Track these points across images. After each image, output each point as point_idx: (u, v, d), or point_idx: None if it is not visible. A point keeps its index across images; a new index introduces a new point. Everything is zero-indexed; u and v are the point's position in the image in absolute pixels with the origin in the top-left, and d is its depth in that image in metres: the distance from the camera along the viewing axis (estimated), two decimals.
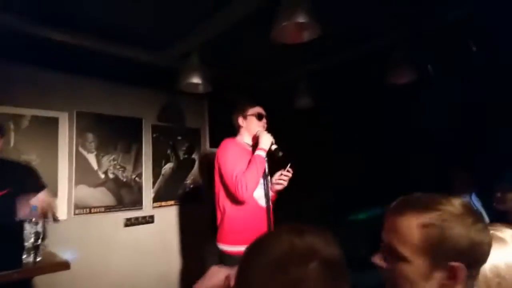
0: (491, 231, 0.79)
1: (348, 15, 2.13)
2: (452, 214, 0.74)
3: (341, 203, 3.22)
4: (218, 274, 0.88)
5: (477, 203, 2.53)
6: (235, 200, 1.91)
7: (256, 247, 0.68)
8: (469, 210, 0.76)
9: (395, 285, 0.78)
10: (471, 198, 2.55)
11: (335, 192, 3.28)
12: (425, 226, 0.74)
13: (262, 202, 1.99)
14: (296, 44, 1.88)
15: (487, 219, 2.16)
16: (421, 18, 2.19)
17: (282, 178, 2.00)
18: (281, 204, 2.20)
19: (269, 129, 2.12)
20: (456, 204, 0.76)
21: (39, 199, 1.78)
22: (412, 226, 0.75)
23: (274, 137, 2.03)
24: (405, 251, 0.75)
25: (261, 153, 1.92)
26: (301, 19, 1.62)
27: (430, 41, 2.43)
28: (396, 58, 2.44)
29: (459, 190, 2.50)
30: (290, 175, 2.02)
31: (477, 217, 0.75)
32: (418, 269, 0.74)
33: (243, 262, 0.68)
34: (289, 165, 2.01)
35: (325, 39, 1.85)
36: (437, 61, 2.57)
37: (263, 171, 1.92)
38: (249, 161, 1.92)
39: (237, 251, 1.83)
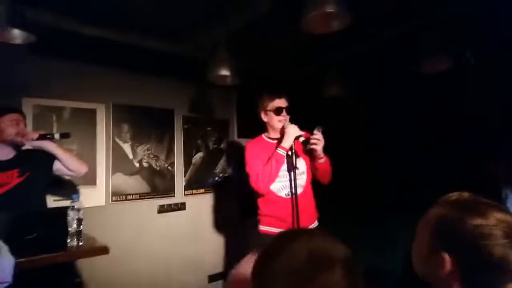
0: None
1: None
2: (471, 211, 0.77)
3: (368, 193, 3.16)
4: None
5: None
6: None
7: (269, 260, 0.66)
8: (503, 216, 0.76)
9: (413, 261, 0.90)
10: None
11: (365, 181, 3.22)
12: (438, 216, 0.83)
13: (281, 193, 2.05)
14: (325, 34, 1.84)
15: None
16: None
17: (312, 142, 1.95)
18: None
19: (297, 119, 2.11)
20: (494, 212, 0.76)
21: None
22: (432, 214, 0.85)
23: (303, 127, 2.02)
24: (419, 230, 0.87)
25: (280, 151, 1.95)
26: (330, 8, 1.58)
27: (468, 25, 2.28)
28: (431, 45, 2.32)
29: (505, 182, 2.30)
30: (317, 137, 1.94)
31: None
32: (423, 247, 0.84)
33: (259, 274, 0.66)
34: (316, 128, 1.95)
35: (355, 27, 1.79)
36: (475, 47, 2.41)
37: (280, 167, 1.98)
38: (269, 157, 1.99)
39: (267, 230, 2.06)
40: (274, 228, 2.01)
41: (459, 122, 2.56)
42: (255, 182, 1.98)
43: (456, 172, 2.47)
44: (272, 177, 1.97)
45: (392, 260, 2.72)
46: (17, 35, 1.82)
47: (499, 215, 0.75)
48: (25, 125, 2.04)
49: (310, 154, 2.08)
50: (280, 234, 0.73)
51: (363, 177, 3.24)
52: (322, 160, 2.03)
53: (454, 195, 0.84)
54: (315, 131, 1.95)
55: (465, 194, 0.83)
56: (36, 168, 2.02)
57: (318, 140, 1.93)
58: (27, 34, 1.78)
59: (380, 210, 3.03)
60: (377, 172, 3.13)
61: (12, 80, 2.40)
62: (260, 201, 2.13)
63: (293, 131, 1.96)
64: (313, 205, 2.16)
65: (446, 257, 0.77)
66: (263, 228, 2.09)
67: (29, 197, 1.93)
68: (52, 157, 2.08)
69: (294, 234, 0.69)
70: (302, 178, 2.10)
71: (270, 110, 2.09)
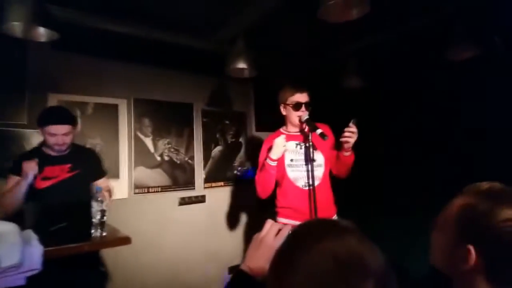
0: None
1: None
2: (495, 203, 0.72)
3: (387, 189, 3.09)
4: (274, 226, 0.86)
5: None
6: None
7: (287, 261, 0.56)
8: None
9: (432, 254, 0.85)
10: None
11: (382, 175, 3.15)
12: (463, 205, 0.77)
13: (300, 184, 2.04)
14: (343, 22, 1.80)
15: None
16: None
17: (345, 135, 1.92)
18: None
19: (316, 110, 2.08)
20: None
21: (102, 184, 2.05)
22: (456, 204, 0.79)
23: (321, 119, 2.00)
24: (441, 220, 0.81)
25: (270, 162, 1.92)
26: None
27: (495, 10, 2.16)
28: (457, 31, 2.23)
29: None
30: (352, 130, 1.90)
31: None
32: (446, 238, 0.79)
33: (278, 273, 0.58)
34: (352, 121, 1.91)
35: (374, 15, 1.74)
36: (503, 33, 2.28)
37: (271, 178, 1.98)
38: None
39: (285, 223, 1.99)
40: (292, 221, 2.01)
41: (485, 116, 2.44)
42: (256, 184, 2.04)
43: (485, 169, 2.37)
44: (266, 187, 2.01)
45: (414, 258, 2.66)
46: (42, 33, 1.88)
47: None
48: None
49: (330, 148, 2.05)
50: (306, 226, 0.64)
51: (383, 171, 3.17)
52: (349, 153, 2.00)
53: (484, 184, 0.78)
54: (351, 124, 1.90)
55: (497, 184, 0.77)
56: (86, 166, 2.10)
57: (352, 133, 1.89)
58: (51, 31, 1.83)
59: (402, 207, 2.96)
60: (398, 167, 3.05)
61: (39, 77, 2.50)
62: (278, 192, 2.13)
63: (279, 141, 1.91)
64: (331, 199, 2.14)
65: (472, 250, 0.71)
66: (280, 220, 2.09)
67: (73, 192, 1.99)
68: (100, 162, 2.20)
69: (322, 230, 0.58)
70: (319, 170, 2.08)
71: (289, 104, 2.07)
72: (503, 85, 2.33)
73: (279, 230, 0.84)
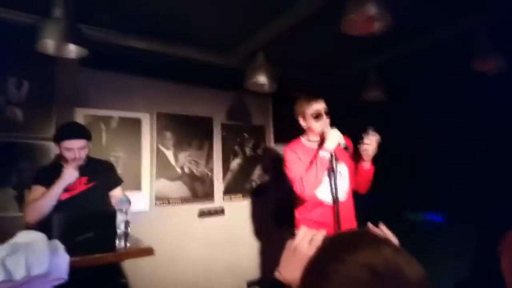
0: None
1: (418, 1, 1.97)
2: None
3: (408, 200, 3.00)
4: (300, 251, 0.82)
5: None
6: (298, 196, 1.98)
7: (321, 272, 0.54)
8: None
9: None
10: None
11: (401, 187, 3.07)
12: None
13: (325, 198, 1.99)
14: (364, 36, 1.80)
15: None
16: None
17: (363, 146, 1.90)
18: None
19: (336, 123, 2.06)
20: None
21: (117, 193, 2.12)
22: None
23: (342, 132, 1.98)
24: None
25: (323, 153, 1.88)
26: (370, 10, 1.55)
27: None
28: (481, 43, 2.19)
29: None
30: (371, 139, 1.88)
31: None
32: None
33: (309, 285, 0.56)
34: (369, 129, 1.89)
35: (395, 28, 1.74)
36: None
37: (324, 171, 1.91)
38: (311, 161, 1.92)
39: None
40: None
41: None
42: (300, 187, 1.89)
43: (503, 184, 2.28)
44: (318, 181, 1.90)
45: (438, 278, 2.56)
46: (72, 49, 1.97)
47: None
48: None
49: (354, 161, 2.03)
50: (339, 237, 0.63)
51: (404, 185, 3.09)
52: (368, 165, 1.97)
53: None
54: (370, 132, 1.89)
55: None
56: (102, 178, 2.16)
57: (370, 142, 1.88)
58: (81, 48, 1.92)
59: (425, 223, 2.87)
60: (421, 180, 2.98)
61: (67, 92, 2.61)
62: (301, 207, 2.06)
63: (335, 134, 1.91)
64: (354, 215, 2.09)
65: None
66: None
67: (91, 203, 2.05)
68: (114, 172, 2.26)
69: (357, 241, 0.56)
70: (345, 183, 2.04)
71: (309, 114, 2.06)
72: None
73: (313, 237, 0.82)
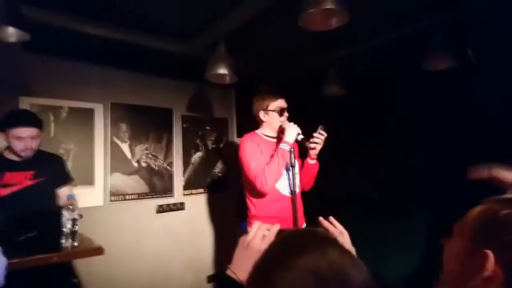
0: None
1: None
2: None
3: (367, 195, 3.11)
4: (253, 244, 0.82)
5: None
6: (257, 191, 1.96)
7: (265, 279, 0.53)
8: None
9: (444, 263, 0.77)
10: None
11: (361, 183, 3.18)
12: (483, 210, 0.72)
13: (285, 191, 2.01)
14: (324, 31, 1.81)
15: None
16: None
17: (314, 140, 1.95)
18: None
19: (295, 118, 2.08)
20: None
21: (65, 191, 1.98)
22: (476, 210, 0.74)
23: (301, 127, 2.00)
24: (456, 229, 0.75)
25: (284, 146, 1.91)
26: (328, 5, 1.55)
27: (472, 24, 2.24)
28: (434, 43, 2.30)
29: None
30: (321, 137, 1.94)
31: None
32: (461, 246, 0.72)
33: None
34: (320, 127, 1.94)
35: (354, 25, 1.76)
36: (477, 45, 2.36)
37: (285, 164, 1.92)
38: (271, 154, 1.93)
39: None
40: None
41: (460, 121, 2.51)
42: (261, 181, 1.87)
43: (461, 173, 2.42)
44: (279, 174, 1.91)
45: (397, 266, 2.69)
46: (11, 33, 1.79)
47: None
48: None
49: (305, 153, 2.06)
50: (285, 239, 0.61)
51: (358, 177, 3.20)
52: (314, 161, 2.04)
53: (506, 195, 0.75)
54: (319, 130, 1.93)
55: None
56: (51, 173, 2.01)
57: (320, 140, 1.93)
58: (22, 32, 1.75)
59: (379, 213, 2.99)
60: (376, 173, 3.09)
61: (9, 79, 2.39)
62: (257, 201, 2.04)
63: (294, 128, 1.95)
64: (302, 207, 2.13)
65: (490, 254, 0.64)
66: None
67: (37, 200, 1.89)
68: (64, 168, 2.11)
69: (302, 243, 0.55)
70: (297, 177, 2.07)
71: (272, 110, 2.06)
72: (474, 95, 2.41)
73: (267, 232, 0.81)
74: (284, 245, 0.58)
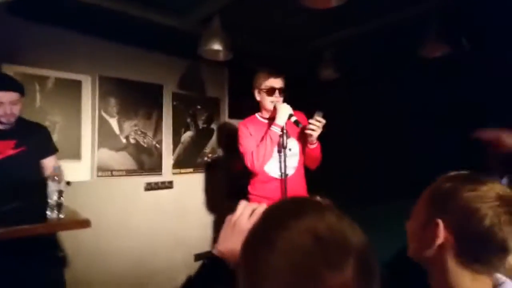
0: None
1: None
2: (469, 181, 0.76)
3: (362, 181, 3.14)
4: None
5: None
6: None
7: (264, 239, 0.52)
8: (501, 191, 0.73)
9: (408, 242, 0.86)
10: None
11: (356, 169, 3.20)
12: (431, 188, 0.82)
13: (274, 174, 2.04)
14: (324, 10, 1.77)
15: None
16: None
17: (310, 127, 1.91)
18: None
19: (290, 99, 2.05)
20: (490, 182, 0.75)
21: (50, 162, 1.93)
22: (425, 190, 0.83)
23: (296, 108, 1.98)
24: (415, 207, 0.84)
25: (274, 128, 1.91)
26: None
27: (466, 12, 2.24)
28: (430, 30, 2.28)
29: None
30: (317, 123, 1.89)
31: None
32: (418, 221, 0.81)
33: (248, 260, 0.55)
34: (316, 113, 1.90)
35: (355, 6, 1.73)
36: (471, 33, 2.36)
37: (274, 146, 1.95)
38: (262, 136, 1.96)
39: None
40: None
41: (457, 107, 2.53)
42: (250, 161, 1.95)
43: (453, 160, 2.46)
44: (267, 156, 1.95)
45: (386, 251, 2.74)
46: None
47: (495, 185, 0.74)
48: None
49: (304, 137, 2.05)
50: (283, 204, 0.61)
51: (354, 163, 3.22)
52: (314, 145, 2.01)
53: (452, 172, 0.82)
54: (316, 116, 1.89)
55: (464, 171, 0.81)
56: (34, 143, 1.93)
57: (317, 126, 1.89)
58: None
59: (372, 198, 3.03)
60: (369, 159, 3.11)
61: None
62: (253, 182, 2.11)
63: (285, 109, 1.92)
64: (304, 189, 2.14)
65: (440, 223, 0.74)
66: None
67: (20, 171, 1.82)
68: (49, 138, 2.03)
69: (300, 207, 0.55)
70: (295, 159, 2.07)
71: (263, 89, 2.04)
72: (468, 84, 2.43)
73: (253, 211, 0.80)
74: (283, 209, 0.59)
